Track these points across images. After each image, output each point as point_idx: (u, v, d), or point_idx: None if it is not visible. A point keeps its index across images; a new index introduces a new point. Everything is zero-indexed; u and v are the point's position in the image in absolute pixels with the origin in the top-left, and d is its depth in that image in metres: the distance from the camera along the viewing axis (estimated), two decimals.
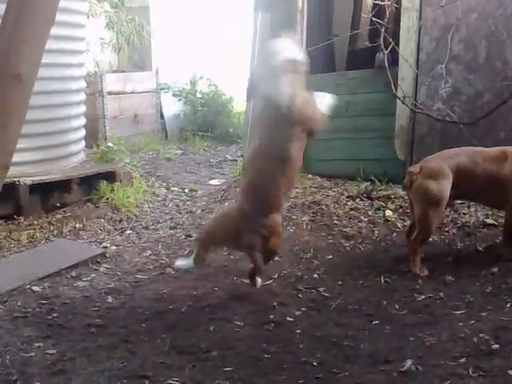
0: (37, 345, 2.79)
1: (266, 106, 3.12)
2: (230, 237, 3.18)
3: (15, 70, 2.19)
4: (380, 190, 5.08)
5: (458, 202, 4.32)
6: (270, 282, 3.50)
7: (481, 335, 2.71)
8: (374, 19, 4.60)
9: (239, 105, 8.49)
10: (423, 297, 3.25)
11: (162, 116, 8.37)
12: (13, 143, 2.34)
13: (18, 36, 2.18)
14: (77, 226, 4.56)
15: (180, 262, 3.52)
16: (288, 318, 3.03)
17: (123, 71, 8.16)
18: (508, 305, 3.04)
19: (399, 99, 4.90)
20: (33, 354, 2.71)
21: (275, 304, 3.20)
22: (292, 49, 3.07)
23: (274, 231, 3.15)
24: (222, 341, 2.81)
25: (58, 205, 4.80)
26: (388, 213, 4.62)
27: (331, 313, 3.10)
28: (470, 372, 2.41)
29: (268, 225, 3.12)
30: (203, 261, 3.28)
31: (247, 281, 3.48)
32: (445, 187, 3.50)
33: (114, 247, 4.22)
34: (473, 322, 2.87)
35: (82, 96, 5.51)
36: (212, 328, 2.94)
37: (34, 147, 4.76)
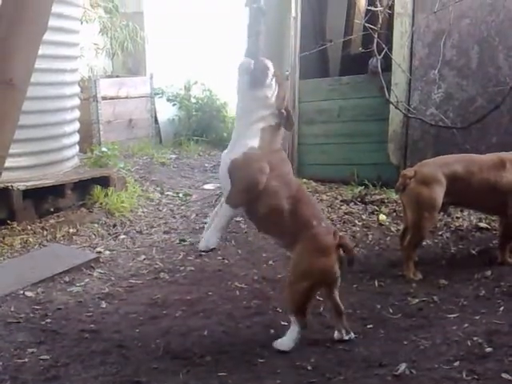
0: (30, 350, 2.78)
1: None
2: None
3: (8, 75, 2.19)
4: (374, 195, 5.10)
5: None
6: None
7: (474, 338, 2.72)
8: (367, 25, 4.64)
9: (233, 109, 8.47)
10: (417, 300, 3.26)
11: (156, 121, 8.36)
12: (5, 149, 2.33)
13: (11, 42, 2.17)
14: (70, 230, 4.54)
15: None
16: (282, 323, 3.02)
17: (117, 76, 8.15)
18: (501, 308, 3.05)
19: (392, 104, 4.93)
20: (26, 359, 2.69)
21: (269, 308, 3.20)
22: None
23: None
24: (216, 345, 2.81)
25: (52, 210, 4.78)
26: (382, 217, 4.64)
27: (325, 317, 3.10)
28: (464, 375, 2.41)
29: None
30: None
31: (241, 285, 3.47)
32: (437, 194, 3.50)
33: (107, 252, 4.21)
34: (466, 325, 2.88)
35: (76, 101, 5.50)
36: (206, 333, 2.94)
37: (27, 152, 4.74)
